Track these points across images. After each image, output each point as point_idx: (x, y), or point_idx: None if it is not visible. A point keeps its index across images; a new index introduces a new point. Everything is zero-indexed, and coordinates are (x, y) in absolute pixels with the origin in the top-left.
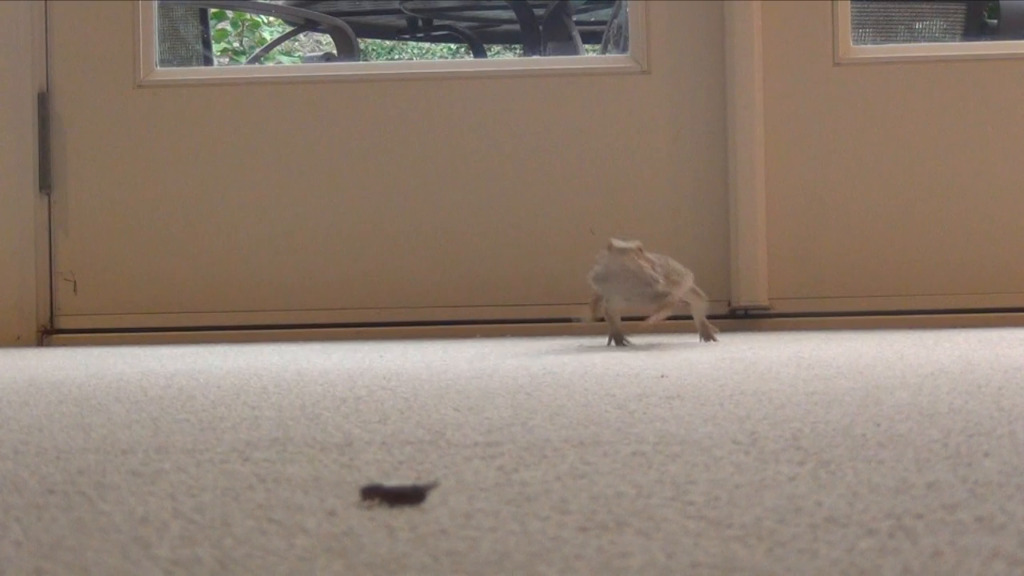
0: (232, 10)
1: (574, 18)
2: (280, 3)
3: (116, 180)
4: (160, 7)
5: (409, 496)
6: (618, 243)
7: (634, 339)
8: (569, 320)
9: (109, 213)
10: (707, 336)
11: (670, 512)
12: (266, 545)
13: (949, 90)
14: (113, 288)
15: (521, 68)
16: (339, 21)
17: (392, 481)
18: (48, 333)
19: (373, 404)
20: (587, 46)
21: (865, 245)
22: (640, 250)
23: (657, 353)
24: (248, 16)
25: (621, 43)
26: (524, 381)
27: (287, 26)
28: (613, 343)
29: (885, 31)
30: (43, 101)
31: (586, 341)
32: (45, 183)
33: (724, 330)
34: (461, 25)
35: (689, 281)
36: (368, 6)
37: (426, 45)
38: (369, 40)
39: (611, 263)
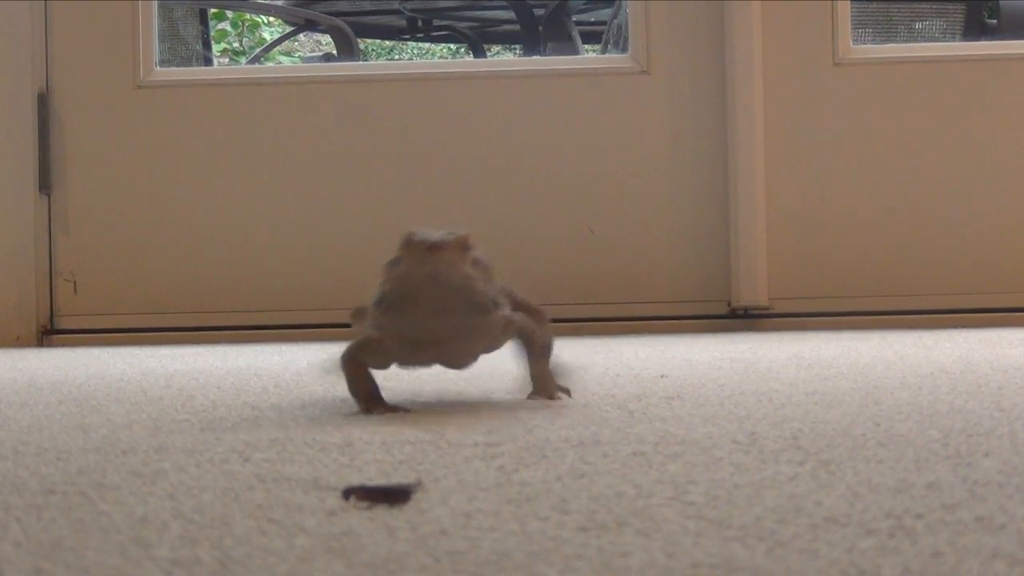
0: (232, 10)
1: (574, 18)
2: (280, 3)
3: (116, 180)
4: (160, 7)
5: (395, 495)
6: (424, 235)
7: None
8: (578, 321)
9: (109, 213)
10: (548, 392)
11: (670, 512)
12: (266, 545)
13: (949, 90)
14: (113, 288)
15: (521, 68)
16: (339, 21)
17: (393, 481)
18: (48, 333)
19: None
20: (587, 46)
21: (865, 245)
22: (465, 246)
23: (657, 353)
24: (248, 16)
25: (621, 43)
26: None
27: (287, 26)
28: (364, 407)
29: (885, 31)
30: (43, 101)
31: (585, 345)
32: (45, 183)
33: (724, 330)
34: (461, 25)
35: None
36: (368, 6)
37: (426, 45)
38: (369, 40)
39: (413, 271)
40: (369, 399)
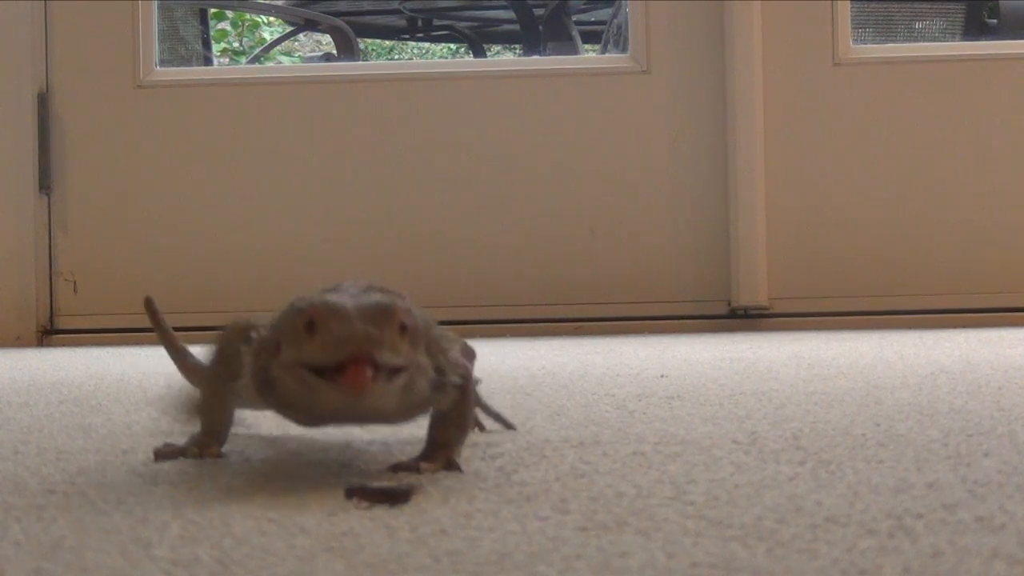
0: (232, 10)
1: (574, 18)
2: (280, 3)
3: (116, 180)
4: (160, 7)
5: (395, 496)
6: (335, 335)
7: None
8: (578, 321)
9: (109, 213)
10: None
11: (670, 512)
12: (266, 545)
13: (949, 90)
14: (113, 288)
15: (521, 68)
16: (339, 21)
17: (393, 482)
18: (48, 333)
19: None
20: (587, 46)
21: (865, 245)
22: (401, 329)
23: (657, 353)
24: (248, 16)
25: (621, 43)
26: (524, 381)
27: (287, 26)
28: (196, 451)
29: (885, 31)
30: (43, 101)
31: (585, 345)
32: (45, 183)
33: (724, 330)
34: (461, 25)
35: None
36: (368, 6)
37: (426, 45)
38: (369, 40)
39: (320, 398)
40: (211, 434)
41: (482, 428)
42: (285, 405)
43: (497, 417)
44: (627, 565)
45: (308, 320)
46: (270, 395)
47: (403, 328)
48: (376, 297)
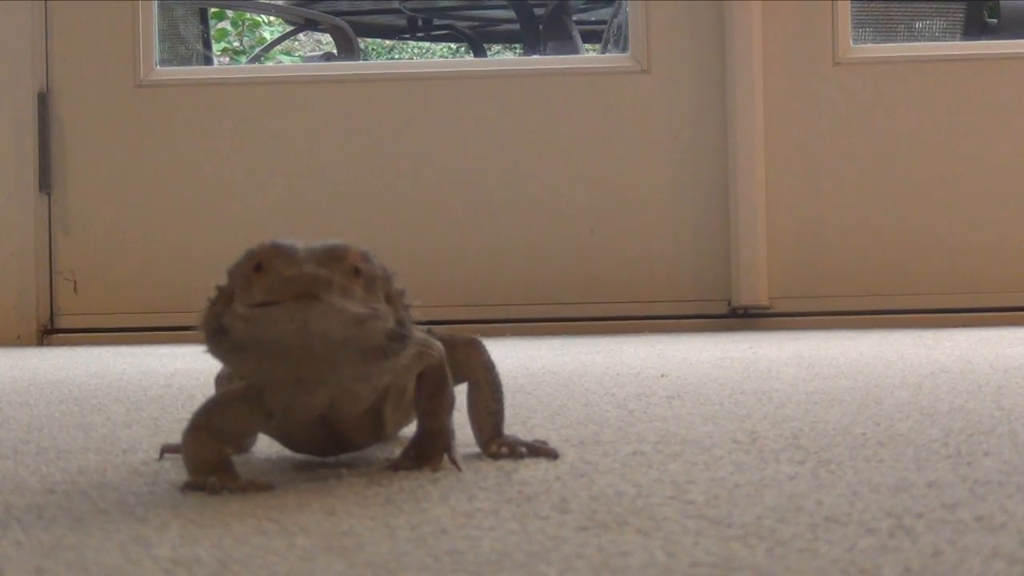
0: (232, 10)
1: (574, 18)
2: (280, 3)
3: (116, 180)
4: (160, 7)
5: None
6: (290, 258)
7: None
8: (578, 320)
9: (109, 213)
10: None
11: (670, 511)
12: (266, 545)
13: (949, 90)
14: (113, 288)
15: (521, 68)
16: (339, 21)
17: (394, 481)
18: (48, 333)
19: None
20: (587, 46)
21: (865, 244)
22: (355, 266)
23: (657, 352)
24: (248, 16)
25: (621, 43)
26: (524, 381)
27: (287, 26)
28: (211, 482)
29: (885, 31)
30: (43, 101)
31: (585, 345)
32: (45, 183)
33: (724, 330)
34: (461, 25)
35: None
36: (368, 6)
37: (426, 45)
38: (369, 40)
39: (275, 319)
40: (216, 469)
41: (459, 468)
42: (235, 352)
43: (534, 449)
44: (627, 564)
45: (257, 262)
46: (223, 343)
47: (357, 272)
48: (330, 241)
